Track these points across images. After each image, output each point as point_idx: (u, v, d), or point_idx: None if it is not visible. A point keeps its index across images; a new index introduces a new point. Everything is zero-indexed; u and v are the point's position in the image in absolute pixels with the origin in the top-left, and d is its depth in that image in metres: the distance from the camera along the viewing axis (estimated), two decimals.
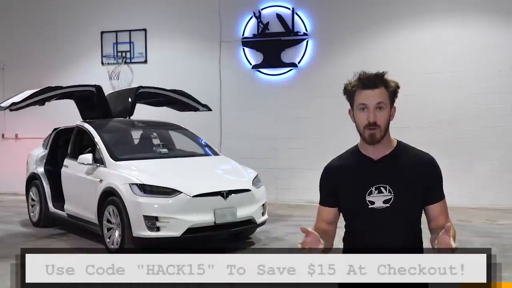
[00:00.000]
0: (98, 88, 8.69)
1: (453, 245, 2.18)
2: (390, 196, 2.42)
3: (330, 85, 10.47)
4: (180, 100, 9.32)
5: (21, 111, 12.48)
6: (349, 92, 2.47)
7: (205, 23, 11.42)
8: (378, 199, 2.43)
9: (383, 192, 2.43)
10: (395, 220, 2.41)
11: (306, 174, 10.47)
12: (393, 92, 2.45)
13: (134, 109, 9.06)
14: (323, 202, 2.62)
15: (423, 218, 2.54)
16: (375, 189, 2.44)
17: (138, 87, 9.07)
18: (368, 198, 2.44)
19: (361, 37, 10.58)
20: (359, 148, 2.54)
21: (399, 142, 2.55)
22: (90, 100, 8.75)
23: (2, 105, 8.41)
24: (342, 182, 2.52)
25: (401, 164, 2.47)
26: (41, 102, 8.72)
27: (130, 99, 8.92)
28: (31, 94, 8.20)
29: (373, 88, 2.40)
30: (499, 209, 9.62)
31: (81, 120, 8.71)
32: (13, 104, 8.16)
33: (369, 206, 2.44)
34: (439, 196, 2.49)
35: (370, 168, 2.48)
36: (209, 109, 9.60)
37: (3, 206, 10.98)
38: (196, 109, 9.53)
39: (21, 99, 8.14)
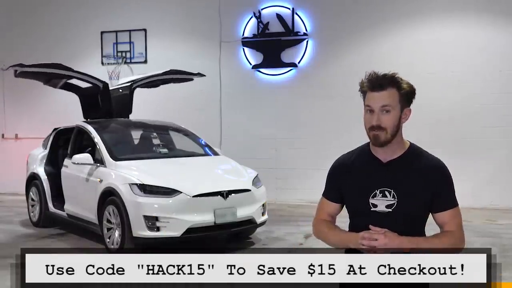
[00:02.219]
0: (105, 86, 8.71)
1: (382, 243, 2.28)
2: (394, 202, 2.40)
3: (330, 85, 10.49)
4: (173, 78, 9.48)
5: (21, 111, 12.58)
6: (362, 92, 2.46)
7: (205, 23, 11.42)
8: (381, 203, 2.41)
9: (387, 196, 2.41)
10: (397, 225, 2.37)
11: (306, 174, 10.48)
12: (405, 94, 2.40)
13: (132, 108, 9.08)
14: (328, 196, 2.62)
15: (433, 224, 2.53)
16: (380, 192, 2.42)
17: (131, 84, 9.08)
18: (371, 201, 2.42)
19: (361, 37, 10.58)
20: (370, 147, 2.51)
21: (411, 145, 2.51)
22: (94, 98, 8.74)
23: (10, 66, 8.38)
24: (348, 180, 2.52)
25: (409, 169, 2.43)
26: (46, 79, 8.68)
27: (126, 98, 8.96)
28: (41, 64, 8.18)
29: (379, 90, 2.37)
30: (499, 209, 9.62)
31: (82, 120, 8.72)
32: (21, 65, 8.12)
33: (372, 209, 2.42)
34: (448, 204, 2.44)
35: (377, 170, 2.46)
36: (203, 75, 9.62)
37: (3, 206, 10.98)
38: (190, 79, 9.67)
39: (29, 64, 8.12)
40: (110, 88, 9.03)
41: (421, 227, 2.48)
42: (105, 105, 8.74)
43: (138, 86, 9.25)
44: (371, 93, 2.39)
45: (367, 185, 2.45)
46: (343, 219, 2.66)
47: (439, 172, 2.45)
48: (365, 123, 2.43)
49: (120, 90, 9.09)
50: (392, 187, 2.41)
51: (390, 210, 2.40)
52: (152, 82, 9.47)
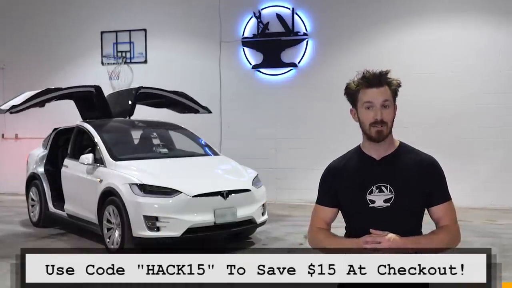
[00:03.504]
0: (98, 89, 8.69)
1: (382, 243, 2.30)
2: (391, 195, 2.41)
3: (330, 85, 10.47)
4: (180, 102, 9.30)
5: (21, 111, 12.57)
6: (353, 91, 2.47)
7: (205, 23, 11.42)
8: (378, 198, 2.42)
9: (384, 191, 2.42)
10: (395, 220, 2.40)
11: (306, 174, 10.47)
12: (394, 90, 2.46)
13: (134, 109, 9.06)
14: (324, 202, 2.61)
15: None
16: (376, 188, 2.43)
17: (139, 87, 9.07)
18: (368, 197, 2.43)
19: (361, 37, 10.58)
20: (361, 148, 2.54)
21: (401, 143, 2.55)
22: (89, 100, 8.75)
23: (2, 108, 8.40)
24: (343, 182, 2.52)
25: (402, 164, 2.46)
26: (41, 104, 8.72)
27: (130, 100, 8.92)
28: (31, 97, 8.20)
29: (378, 87, 2.41)
30: (499, 209, 9.61)
31: (81, 120, 8.72)
32: (13, 107, 8.15)
33: (370, 205, 2.43)
34: (442, 198, 2.47)
35: (371, 167, 2.47)
36: (209, 111, 9.58)
37: (3, 206, 10.98)
38: (196, 111, 9.52)
39: (20, 102, 8.14)
40: (115, 90, 9.01)
41: (419, 222, 2.50)
42: (100, 106, 8.73)
43: (144, 97, 9.16)
44: (369, 90, 2.42)
45: (363, 182, 2.46)
46: (339, 220, 2.65)
47: (431, 167, 2.49)
48: (365, 120, 2.44)
49: (133, 91, 9.02)
50: (388, 182, 2.43)
51: (388, 204, 2.41)
52: (158, 97, 9.37)
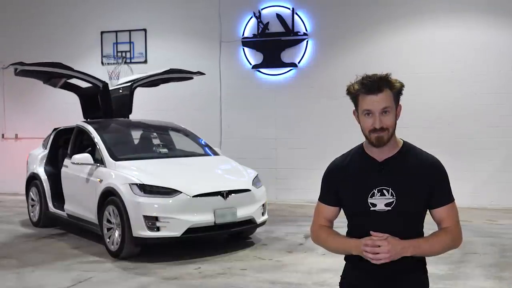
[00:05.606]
0: (105, 86, 8.72)
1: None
2: (392, 200, 2.39)
3: (330, 85, 10.48)
4: (173, 77, 9.48)
5: (21, 111, 12.59)
6: (353, 96, 2.43)
7: (205, 23, 11.42)
8: (380, 202, 2.40)
9: (386, 195, 2.40)
10: (396, 223, 2.38)
11: (306, 174, 10.48)
12: (397, 92, 2.40)
13: (132, 107, 9.08)
14: (325, 200, 2.60)
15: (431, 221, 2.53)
16: (378, 192, 2.41)
17: (131, 84, 9.08)
18: (370, 200, 2.41)
19: (361, 37, 10.57)
20: (364, 148, 2.51)
21: (404, 143, 2.51)
22: (94, 98, 8.74)
23: (10, 64, 8.38)
24: (345, 182, 2.50)
25: (405, 167, 2.43)
26: (46, 78, 8.68)
27: (126, 100, 8.96)
28: (41, 62, 8.20)
29: (378, 93, 2.35)
30: (499, 209, 9.61)
31: (82, 120, 8.72)
32: (21, 63, 8.12)
33: (371, 209, 2.41)
34: (444, 200, 2.44)
35: (373, 170, 2.45)
36: (202, 74, 9.60)
37: (3, 206, 10.97)
38: (190, 78, 9.64)
39: (29, 63, 8.09)
40: (110, 88, 9.02)
41: (420, 224, 2.49)
42: (104, 105, 8.74)
43: (138, 86, 9.26)
44: (368, 97, 2.37)
45: (365, 185, 2.44)
46: (341, 220, 2.65)
47: (435, 168, 2.45)
48: (364, 126, 2.41)
49: (120, 90, 9.10)
50: (389, 185, 2.41)
51: (389, 208, 2.39)
52: (152, 82, 9.48)
